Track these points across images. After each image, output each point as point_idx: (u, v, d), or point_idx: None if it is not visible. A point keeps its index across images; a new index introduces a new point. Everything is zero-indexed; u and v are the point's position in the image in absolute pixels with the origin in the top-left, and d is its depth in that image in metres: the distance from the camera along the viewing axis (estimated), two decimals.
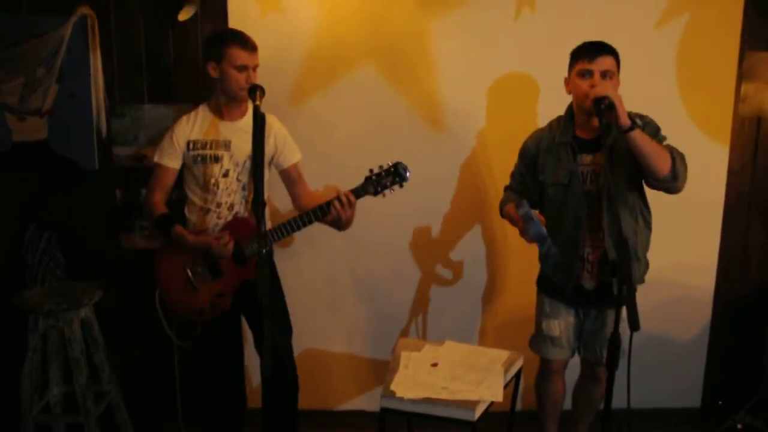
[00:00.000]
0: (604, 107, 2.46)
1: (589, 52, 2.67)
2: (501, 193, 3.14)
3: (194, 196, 2.96)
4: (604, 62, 2.64)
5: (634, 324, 2.14)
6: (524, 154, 2.95)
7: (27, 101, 3.45)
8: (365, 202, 2.81)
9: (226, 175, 2.90)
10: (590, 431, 3.20)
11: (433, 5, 3.42)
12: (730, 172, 3.58)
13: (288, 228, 2.79)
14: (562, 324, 2.93)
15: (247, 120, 2.89)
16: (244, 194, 2.94)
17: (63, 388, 3.28)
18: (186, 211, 3.02)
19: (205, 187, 2.91)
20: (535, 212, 2.63)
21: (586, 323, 2.94)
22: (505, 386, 2.69)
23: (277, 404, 3.03)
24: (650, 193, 2.78)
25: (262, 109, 2.27)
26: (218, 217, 2.92)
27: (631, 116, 2.53)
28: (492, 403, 2.57)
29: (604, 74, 2.63)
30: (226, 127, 2.91)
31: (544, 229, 2.58)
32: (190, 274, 2.89)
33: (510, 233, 3.45)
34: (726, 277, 3.68)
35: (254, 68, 2.83)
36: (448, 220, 3.63)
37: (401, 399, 2.53)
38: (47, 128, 3.49)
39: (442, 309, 3.73)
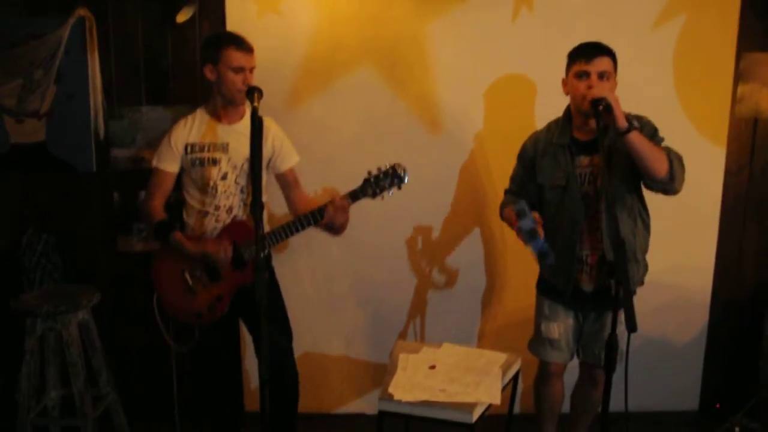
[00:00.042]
0: (602, 108, 2.46)
1: (586, 53, 2.67)
2: (499, 194, 3.14)
3: (192, 200, 2.95)
4: (601, 63, 2.64)
5: (632, 325, 2.14)
6: (522, 156, 2.95)
7: (25, 103, 3.45)
8: (363, 204, 2.81)
9: (224, 178, 2.90)
10: None
11: (430, 7, 3.42)
12: (727, 174, 3.58)
13: (283, 232, 2.79)
14: (561, 327, 2.93)
15: (245, 123, 2.88)
16: (242, 197, 2.93)
17: (60, 391, 3.28)
18: (184, 214, 3.01)
19: (204, 190, 2.91)
20: (534, 214, 2.63)
21: (585, 326, 2.94)
22: (503, 388, 2.68)
23: (277, 408, 3.03)
24: (647, 195, 2.78)
25: (260, 111, 2.26)
26: (216, 221, 2.92)
27: (629, 118, 2.53)
28: (490, 405, 2.57)
29: (602, 75, 2.63)
30: (224, 129, 2.91)
31: (535, 225, 2.58)
32: (188, 277, 2.89)
33: (509, 235, 3.45)
34: (723, 279, 3.69)
35: (251, 70, 2.83)
36: (447, 222, 3.63)
37: (399, 402, 2.52)
38: (45, 130, 3.49)
39: (440, 312, 3.73)
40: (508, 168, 3.06)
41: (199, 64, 2.89)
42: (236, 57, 2.78)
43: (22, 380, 3.05)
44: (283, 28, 3.43)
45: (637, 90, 3.02)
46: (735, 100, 3.51)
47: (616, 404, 2.34)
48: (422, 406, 2.51)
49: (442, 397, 2.53)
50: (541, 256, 2.69)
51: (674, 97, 3.49)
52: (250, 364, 3.70)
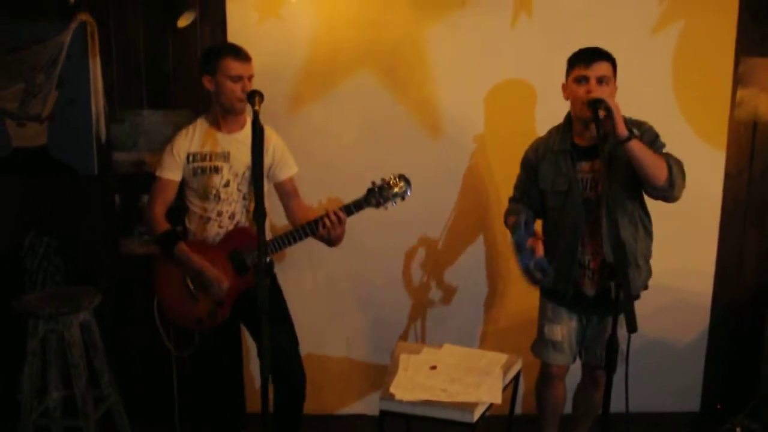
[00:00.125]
0: (602, 114, 2.47)
1: (586, 58, 2.68)
2: (501, 198, 3.15)
3: (194, 207, 2.96)
4: (600, 68, 2.65)
5: (632, 326, 2.15)
6: (525, 163, 2.97)
7: (27, 107, 3.47)
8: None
9: (227, 185, 2.91)
10: None
11: (430, 12, 3.43)
12: (727, 177, 3.60)
13: (281, 242, 2.80)
14: (564, 329, 2.94)
15: (246, 132, 2.90)
16: (244, 203, 2.94)
17: (62, 392, 3.28)
18: (186, 221, 3.02)
19: (206, 197, 2.91)
20: (537, 227, 2.66)
21: (588, 329, 2.95)
22: (504, 388, 2.69)
23: (283, 410, 3.05)
24: (649, 198, 2.79)
25: (261, 117, 2.28)
26: (219, 226, 2.92)
27: (629, 126, 2.54)
28: (491, 405, 2.57)
29: (601, 80, 2.64)
30: (225, 138, 2.92)
31: (525, 241, 2.63)
32: (189, 282, 2.89)
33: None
34: (724, 282, 3.69)
35: (249, 78, 2.84)
36: (449, 225, 3.64)
37: (400, 401, 2.53)
38: (47, 134, 3.51)
39: (442, 315, 3.74)
40: (510, 171, 3.07)
41: (199, 68, 2.90)
42: (234, 66, 2.80)
43: (24, 381, 3.06)
44: (283, 32, 3.44)
45: (637, 95, 3.04)
46: (734, 104, 3.52)
47: (617, 405, 2.35)
48: (423, 405, 2.52)
49: (443, 397, 2.54)
50: (526, 272, 2.71)
51: (673, 101, 3.50)
52: (255, 366, 3.70)
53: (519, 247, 2.66)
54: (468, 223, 3.65)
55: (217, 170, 2.90)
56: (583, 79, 2.65)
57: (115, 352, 3.49)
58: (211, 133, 2.92)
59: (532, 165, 2.91)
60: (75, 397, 3.08)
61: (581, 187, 2.76)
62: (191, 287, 2.89)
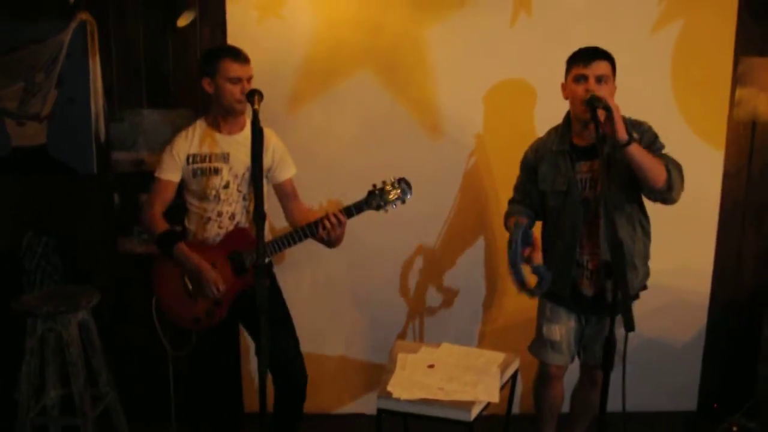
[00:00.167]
0: (600, 108, 2.47)
1: (584, 57, 2.68)
2: (501, 197, 3.15)
3: (194, 207, 2.97)
4: (599, 67, 2.65)
5: (629, 325, 2.15)
6: (524, 164, 2.97)
7: (26, 106, 3.47)
8: None
9: (226, 186, 2.91)
10: None
11: (429, 11, 3.44)
12: (726, 176, 3.60)
13: (281, 243, 2.81)
14: (563, 329, 2.94)
15: (245, 134, 2.91)
16: (245, 204, 2.94)
17: (60, 390, 3.28)
18: (186, 221, 3.03)
19: (206, 198, 2.92)
20: (535, 235, 2.68)
21: (587, 329, 2.95)
22: (502, 388, 2.69)
23: (283, 410, 3.06)
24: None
25: (261, 117, 2.28)
26: (219, 227, 2.92)
27: (628, 130, 2.53)
28: (488, 404, 2.57)
29: (599, 79, 2.64)
30: (225, 140, 2.92)
31: (519, 259, 2.65)
32: (188, 282, 2.90)
33: None
34: (721, 281, 3.70)
35: (248, 80, 2.85)
36: (448, 225, 3.65)
37: (398, 400, 2.53)
38: (46, 133, 3.51)
39: (441, 314, 3.75)
40: (509, 171, 3.07)
41: (199, 68, 2.91)
42: (233, 68, 2.80)
43: (22, 380, 3.06)
44: (283, 31, 3.45)
45: (636, 94, 3.03)
46: (733, 103, 3.53)
47: (614, 404, 2.35)
48: (421, 404, 2.52)
49: (440, 396, 2.54)
50: (521, 288, 2.71)
51: (672, 100, 3.51)
52: (254, 366, 3.70)
53: (512, 264, 2.67)
54: (467, 222, 3.65)
55: (216, 171, 2.91)
56: (582, 78, 2.65)
57: (113, 351, 3.49)
58: (211, 135, 2.93)
59: (531, 166, 2.91)
60: (73, 396, 3.08)
61: (580, 188, 2.76)
62: (190, 287, 2.89)
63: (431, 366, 2.79)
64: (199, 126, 2.96)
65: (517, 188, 3.05)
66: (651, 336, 3.68)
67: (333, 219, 2.74)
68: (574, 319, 2.94)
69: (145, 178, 3.12)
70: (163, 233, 2.90)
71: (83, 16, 3.39)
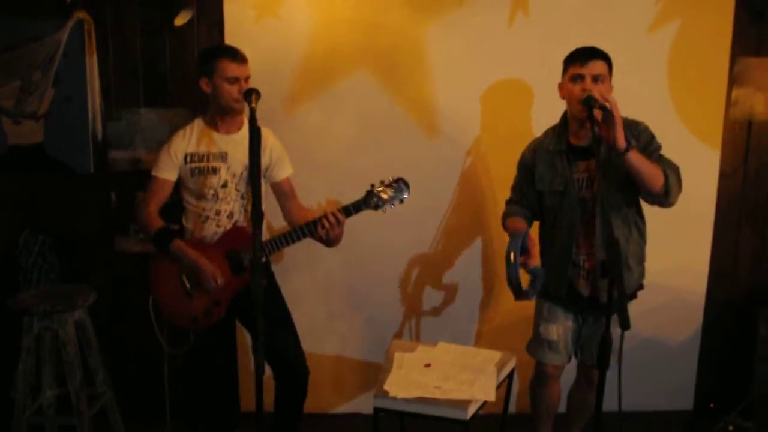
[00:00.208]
0: (596, 108, 2.47)
1: (581, 56, 2.69)
2: (498, 197, 3.15)
3: (192, 206, 2.97)
4: (596, 66, 2.66)
5: (625, 323, 2.16)
6: (522, 165, 2.97)
7: (23, 105, 3.47)
8: None
9: (224, 186, 2.91)
10: None
11: (427, 11, 3.44)
12: (722, 176, 3.61)
13: (279, 242, 2.81)
14: (560, 328, 2.94)
15: (243, 133, 2.91)
16: (243, 203, 2.94)
17: (56, 389, 3.28)
18: (183, 219, 3.03)
19: (204, 197, 2.92)
20: (532, 236, 2.69)
21: (584, 328, 2.95)
22: (498, 387, 2.70)
23: (285, 408, 3.06)
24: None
25: (259, 117, 2.28)
26: (217, 225, 2.92)
27: (627, 137, 2.53)
28: (485, 403, 2.58)
29: (596, 78, 2.65)
30: (222, 139, 2.92)
31: (516, 272, 2.63)
32: (185, 281, 2.90)
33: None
34: (717, 281, 3.71)
35: (246, 79, 2.85)
36: (445, 224, 3.65)
37: (394, 398, 2.54)
38: (43, 132, 3.50)
39: (438, 314, 3.75)
40: (507, 170, 3.07)
41: (196, 67, 2.91)
42: (230, 68, 2.80)
43: (19, 378, 3.05)
44: (280, 31, 3.44)
45: (632, 94, 3.04)
46: (729, 103, 3.54)
47: (610, 404, 2.35)
48: (417, 402, 2.52)
49: (437, 394, 2.55)
50: (517, 295, 2.71)
51: (669, 100, 3.51)
52: (251, 364, 3.69)
53: (510, 279, 2.67)
54: (464, 221, 3.66)
55: (214, 171, 2.91)
56: (579, 78, 2.66)
57: (110, 351, 3.49)
58: (209, 134, 2.93)
59: (528, 166, 2.92)
60: (69, 395, 3.07)
61: (577, 187, 2.77)
62: (187, 285, 2.89)
63: (428, 365, 2.80)
64: (197, 125, 2.96)
65: (514, 188, 3.05)
66: (647, 335, 3.68)
67: (332, 218, 2.75)
68: (572, 318, 2.94)
69: (142, 176, 3.12)
70: (160, 230, 2.90)
71: (80, 14, 3.39)
